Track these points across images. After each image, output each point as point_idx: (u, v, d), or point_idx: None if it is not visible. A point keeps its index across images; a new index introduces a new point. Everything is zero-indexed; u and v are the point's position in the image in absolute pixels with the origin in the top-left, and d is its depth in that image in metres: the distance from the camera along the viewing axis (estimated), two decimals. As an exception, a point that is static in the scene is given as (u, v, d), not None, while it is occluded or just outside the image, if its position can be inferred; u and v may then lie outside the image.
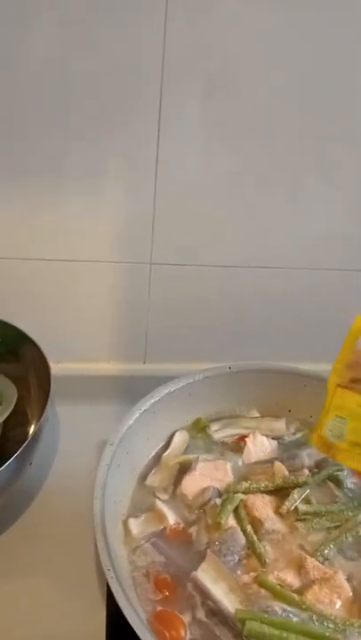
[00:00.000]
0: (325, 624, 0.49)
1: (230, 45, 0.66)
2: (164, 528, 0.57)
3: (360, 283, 0.86)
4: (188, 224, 0.79)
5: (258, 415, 0.73)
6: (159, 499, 0.60)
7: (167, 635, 0.48)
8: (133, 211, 0.76)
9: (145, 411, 0.64)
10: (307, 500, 0.61)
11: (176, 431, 0.69)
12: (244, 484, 0.61)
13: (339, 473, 0.64)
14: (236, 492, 0.60)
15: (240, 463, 0.66)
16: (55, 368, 0.88)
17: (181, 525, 0.58)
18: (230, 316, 0.87)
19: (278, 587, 0.52)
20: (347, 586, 0.53)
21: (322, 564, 0.55)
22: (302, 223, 0.80)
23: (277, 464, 0.64)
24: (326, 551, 0.56)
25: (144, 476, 0.63)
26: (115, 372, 0.90)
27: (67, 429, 0.84)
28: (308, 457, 0.66)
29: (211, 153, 0.74)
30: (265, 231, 0.81)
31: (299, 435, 0.71)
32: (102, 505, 0.52)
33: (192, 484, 0.61)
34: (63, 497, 0.67)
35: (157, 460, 0.66)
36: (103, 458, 0.57)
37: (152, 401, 0.65)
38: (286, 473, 0.63)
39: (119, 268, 0.81)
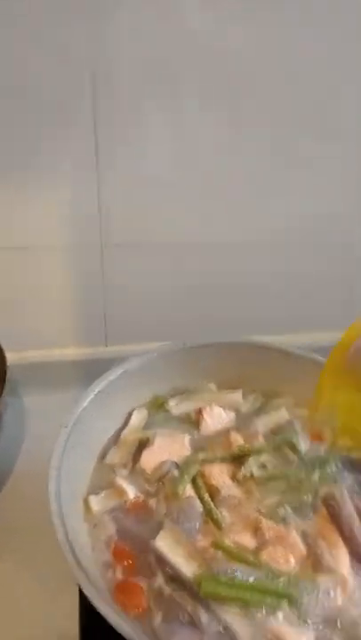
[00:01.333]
0: (279, 580, 0.51)
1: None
2: (125, 502, 0.59)
3: (317, 257, 0.88)
4: (137, 202, 0.79)
5: (215, 388, 0.75)
6: (119, 475, 0.62)
7: (128, 603, 0.50)
8: (78, 191, 0.76)
9: (99, 392, 0.65)
10: (263, 466, 0.63)
11: (134, 409, 0.70)
12: (201, 455, 0.62)
13: (293, 438, 0.66)
14: (194, 463, 0.62)
15: (198, 436, 0.67)
16: (16, 357, 0.88)
17: (141, 498, 0.59)
18: (189, 292, 0.88)
19: (234, 549, 0.54)
20: (300, 544, 0.55)
21: (277, 524, 0.57)
22: (259, 198, 0.81)
23: (233, 433, 0.66)
24: (282, 512, 0.58)
25: (104, 455, 0.65)
26: (77, 356, 0.91)
27: (33, 417, 0.85)
28: (263, 425, 0.68)
29: (156, 122, 0.73)
30: (217, 205, 0.81)
31: (257, 404, 0.73)
32: (58, 485, 0.53)
33: (150, 459, 0.63)
34: (32, 482, 0.67)
35: (117, 438, 0.67)
36: (57, 441, 0.58)
37: (106, 382, 0.66)
38: (242, 441, 0.65)
39: (70, 251, 0.81)
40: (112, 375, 0.67)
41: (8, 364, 0.75)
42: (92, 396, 0.64)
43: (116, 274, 0.84)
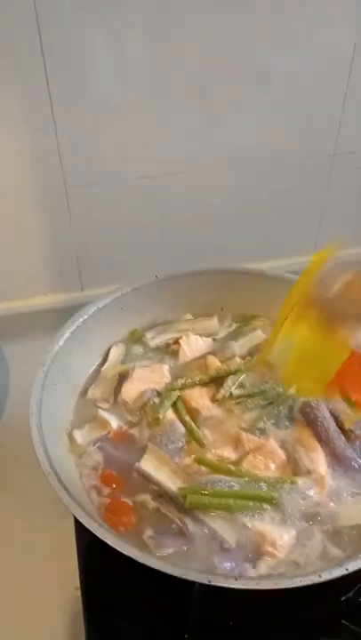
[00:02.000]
0: (261, 485, 0.54)
1: None
2: (108, 432, 0.60)
3: (277, 187, 0.86)
4: (97, 139, 0.76)
5: (191, 317, 0.75)
6: (101, 408, 0.63)
7: (118, 521, 0.52)
8: (34, 132, 0.73)
9: (76, 329, 0.66)
10: (241, 385, 0.65)
11: (112, 345, 0.71)
12: (180, 381, 0.64)
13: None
14: (173, 389, 0.63)
15: (177, 364, 0.68)
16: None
17: (124, 428, 0.61)
18: (160, 227, 0.87)
19: (215, 461, 0.56)
20: (279, 450, 0.57)
21: (258, 437, 0.59)
22: (224, 128, 0.79)
23: (210, 357, 0.67)
24: (261, 425, 0.60)
25: (85, 391, 0.66)
26: (54, 304, 0.90)
27: (16, 367, 0.86)
28: (239, 347, 0.69)
29: (112, 59, 0.70)
30: (180, 137, 0.79)
31: (232, 328, 0.74)
32: (39, 418, 0.54)
33: (131, 390, 0.64)
34: (20, 426, 0.70)
35: (97, 374, 0.68)
36: (36, 378, 0.59)
37: (81, 320, 0.66)
38: (219, 364, 0.66)
39: (33, 195, 0.79)
40: (86, 313, 0.67)
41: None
42: (67, 334, 0.64)
43: (83, 214, 0.83)
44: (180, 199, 0.85)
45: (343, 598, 0.54)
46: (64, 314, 0.87)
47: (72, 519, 0.59)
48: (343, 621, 0.53)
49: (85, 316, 0.67)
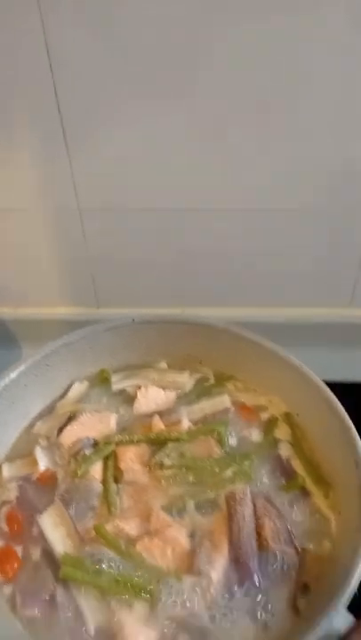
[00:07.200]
0: (139, 574, 0.51)
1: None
2: (34, 473, 0.61)
3: (279, 225, 0.79)
4: (112, 166, 0.76)
5: (165, 367, 0.73)
6: (39, 445, 0.64)
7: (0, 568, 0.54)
8: (49, 160, 0.75)
9: (36, 362, 0.67)
10: (181, 455, 0.62)
11: (75, 381, 0.71)
12: (118, 437, 0.63)
13: (221, 430, 0.63)
14: (109, 444, 0.62)
15: (129, 415, 0.67)
16: (14, 313, 0.93)
17: (50, 472, 0.62)
18: (178, 258, 0.85)
19: (111, 535, 0.54)
20: (182, 539, 0.54)
21: (172, 517, 0.56)
22: (237, 163, 0.74)
23: (156, 418, 0.65)
24: (180, 505, 0.57)
25: (35, 423, 0.67)
26: (70, 316, 0.93)
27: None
28: (196, 411, 0.66)
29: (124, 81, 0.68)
30: (201, 171, 0.75)
31: (200, 387, 0.71)
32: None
33: (70, 434, 0.64)
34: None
35: (52, 409, 0.69)
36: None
37: (43, 354, 0.67)
38: (162, 427, 0.64)
39: (47, 215, 0.81)
40: (49, 348, 0.68)
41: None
42: (23, 367, 0.66)
43: (97, 238, 0.83)
44: (192, 235, 0.81)
45: None
46: (79, 327, 0.88)
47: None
48: None
49: (48, 351, 0.68)
